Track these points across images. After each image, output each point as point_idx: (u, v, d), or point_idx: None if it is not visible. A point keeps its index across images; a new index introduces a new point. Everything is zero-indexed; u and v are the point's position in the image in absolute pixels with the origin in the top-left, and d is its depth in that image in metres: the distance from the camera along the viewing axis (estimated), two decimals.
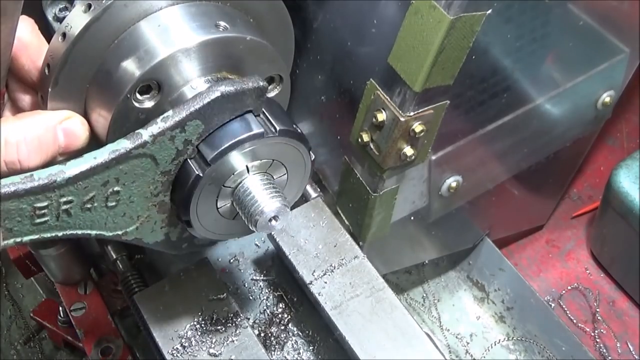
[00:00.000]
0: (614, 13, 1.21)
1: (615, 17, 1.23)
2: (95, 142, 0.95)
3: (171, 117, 0.85)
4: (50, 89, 0.90)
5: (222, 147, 0.87)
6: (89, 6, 0.87)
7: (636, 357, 1.56)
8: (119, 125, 0.91)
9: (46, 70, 0.90)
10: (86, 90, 0.93)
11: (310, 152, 0.97)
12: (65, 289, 1.43)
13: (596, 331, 1.60)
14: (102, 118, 0.92)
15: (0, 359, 1.78)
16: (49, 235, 0.87)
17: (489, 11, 0.96)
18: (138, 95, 0.89)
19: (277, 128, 0.89)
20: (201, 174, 0.88)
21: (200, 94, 0.86)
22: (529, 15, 1.06)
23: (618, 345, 1.58)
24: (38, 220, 0.85)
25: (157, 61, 0.88)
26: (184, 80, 0.90)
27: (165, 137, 0.86)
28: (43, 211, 0.84)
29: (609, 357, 1.55)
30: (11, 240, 0.85)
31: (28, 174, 0.82)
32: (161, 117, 0.86)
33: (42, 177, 0.82)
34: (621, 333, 1.60)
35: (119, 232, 0.93)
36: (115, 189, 0.88)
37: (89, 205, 0.87)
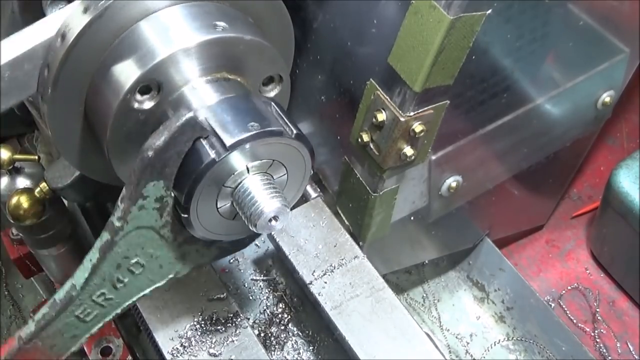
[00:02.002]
0: (614, 13, 1.21)
1: (615, 17, 1.23)
2: (97, 143, 0.96)
3: (127, 197, 0.85)
4: (50, 90, 0.90)
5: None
6: (88, 7, 0.87)
7: (636, 357, 1.56)
8: (118, 126, 0.91)
9: (45, 71, 0.90)
10: (86, 91, 0.93)
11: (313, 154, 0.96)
12: None
13: (596, 331, 1.60)
14: (102, 119, 0.92)
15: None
16: (108, 318, 0.94)
17: (489, 11, 0.96)
18: (138, 96, 0.89)
19: (294, 131, 0.89)
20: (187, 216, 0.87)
21: (132, 168, 0.84)
22: (529, 15, 1.06)
23: (618, 345, 1.58)
24: (87, 319, 0.91)
25: (156, 61, 0.87)
26: (183, 81, 0.90)
27: (135, 211, 0.85)
28: (87, 311, 0.91)
29: (609, 357, 1.55)
30: (77, 344, 0.94)
31: (51, 300, 0.91)
32: (120, 197, 0.86)
33: (61, 298, 0.90)
34: (621, 333, 1.60)
35: (171, 276, 0.96)
36: (132, 261, 0.90)
37: (119, 285, 0.91)
